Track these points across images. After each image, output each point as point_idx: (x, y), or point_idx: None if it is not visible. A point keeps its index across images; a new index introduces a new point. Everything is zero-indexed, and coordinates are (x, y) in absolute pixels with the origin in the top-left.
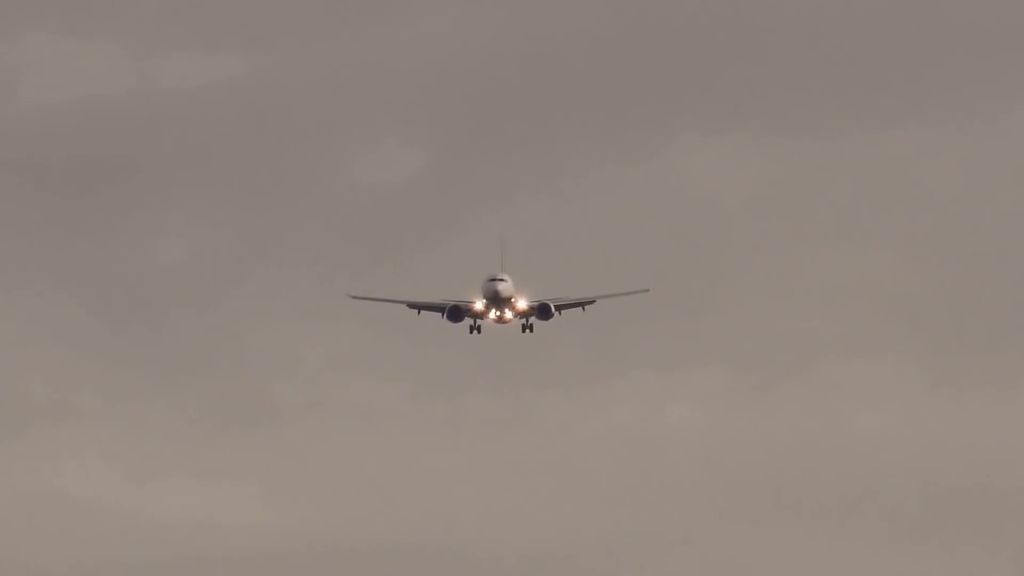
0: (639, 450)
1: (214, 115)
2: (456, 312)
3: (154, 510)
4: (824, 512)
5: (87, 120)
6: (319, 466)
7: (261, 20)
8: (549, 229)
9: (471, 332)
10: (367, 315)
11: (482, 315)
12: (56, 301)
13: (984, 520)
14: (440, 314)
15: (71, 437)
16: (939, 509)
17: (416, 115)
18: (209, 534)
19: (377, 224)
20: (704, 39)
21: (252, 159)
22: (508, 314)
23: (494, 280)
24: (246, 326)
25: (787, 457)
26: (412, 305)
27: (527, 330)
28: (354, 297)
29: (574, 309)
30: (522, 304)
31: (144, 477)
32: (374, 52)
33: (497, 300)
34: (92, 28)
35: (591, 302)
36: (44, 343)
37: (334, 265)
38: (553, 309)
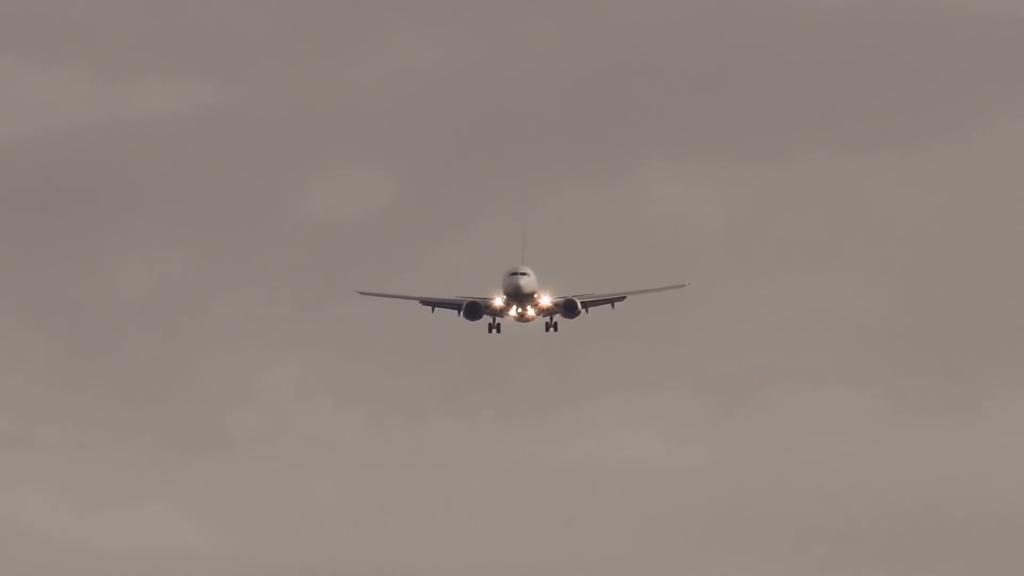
0: (597, 479)
1: (179, 144)
2: (474, 309)
3: (110, 540)
4: (787, 540)
5: (50, 148)
6: (282, 495)
7: (229, 49)
8: (513, 253)
9: (490, 331)
10: (334, 341)
11: (502, 312)
12: (16, 328)
13: (944, 547)
14: (456, 311)
15: (27, 466)
16: (900, 537)
17: (385, 144)
18: (167, 564)
19: (343, 255)
20: (670, 67)
21: (217, 187)
22: (531, 311)
23: (516, 274)
24: (209, 355)
25: (750, 485)
26: (425, 302)
27: (551, 328)
28: (363, 293)
29: (602, 306)
30: (546, 300)
31: (100, 506)
32: (343, 81)
33: (519, 296)
34: (57, 56)
35: (621, 298)
36: (2, 371)
37: (300, 293)
38: (580, 306)
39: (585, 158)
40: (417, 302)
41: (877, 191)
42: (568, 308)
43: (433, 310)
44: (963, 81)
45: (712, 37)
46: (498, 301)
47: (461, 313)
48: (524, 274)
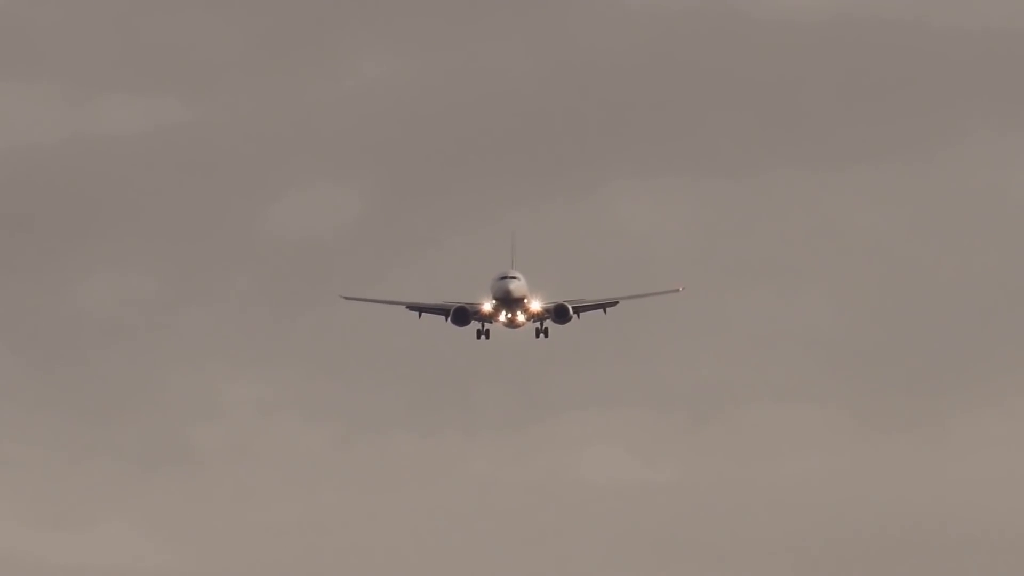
0: (559, 498)
1: (147, 160)
2: (462, 314)
3: (75, 558)
4: (754, 558)
5: (16, 164)
6: (260, 511)
7: (196, 65)
8: (484, 267)
9: (479, 337)
10: (316, 349)
11: (491, 317)
12: None
13: (914, 564)
14: (444, 317)
15: None
16: (871, 554)
17: (354, 159)
18: None
19: (309, 272)
20: (639, 84)
21: (182, 204)
22: (520, 317)
23: (505, 278)
24: (189, 370)
25: (726, 501)
26: (412, 307)
27: (541, 334)
28: (347, 298)
29: (594, 312)
30: (536, 306)
31: (62, 523)
32: (309, 96)
33: (508, 301)
34: (22, 72)
35: (613, 304)
36: None
37: (278, 306)
38: (571, 311)
39: (551, 173)
40: (403, 308)
41: (845, 207)
42: (559, 313)
43: (420, 316)
44: (931, 95)
45: (681, 54)
46: (487, 306)
47: (449, 319)
48: (514, 278)
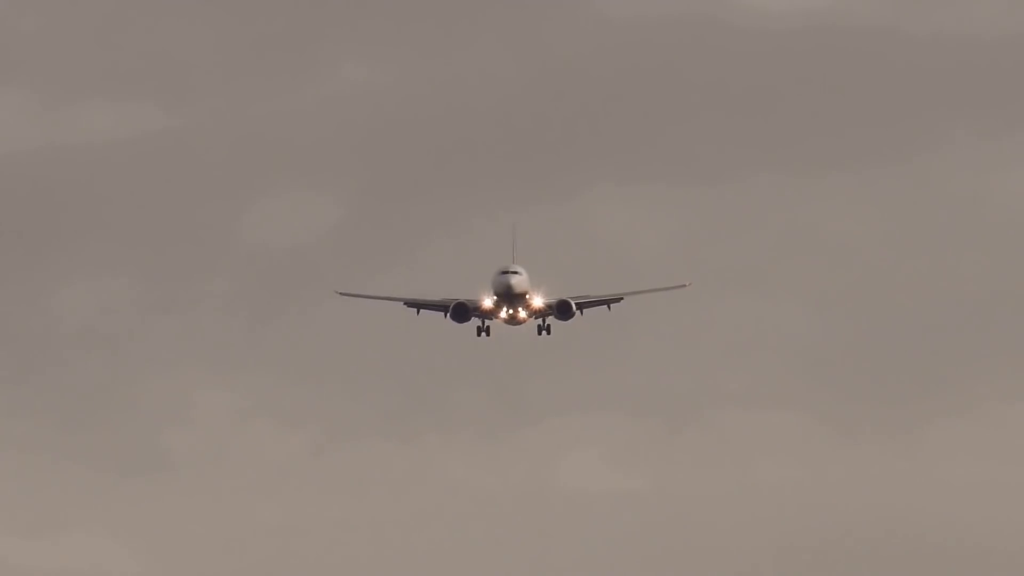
0: (537, 504)
1: (125, 167)
2: (461, 310)
3: (48, 563)
4: (734, 567)
5: None
6: (239, 518)
7: (175, 72)
8: (463, 270)
9: (479, 334)
10: (309, 347)
11: (492, 314)
12: None
13: (888, 574)
14: (443, 313)
15: None
16: (850, 561)
17: (335, 166)
18: None
19: (297, 275)
20: (620, 90)
21: (165, 210)
22: (522, 313)
23: (506, 273)
24: (152, 380)
25: (701, 509)
26: (410, 303)
27: (544, 331)
28: (343, 294)
29: (598, 308)
30: (538, 302)
31: (35, 531)
32: (288, 102)
33: (510, 296)
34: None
35: (618, 300)
36: None
37: (259, 314)
38: (574, 307)
39: (532, 179)
40: (401, 304)
41: (824, 212)
42: (562, 310)
43: (418, 312)
44: (909, 102)
45: (661, 61)
46: (487, 302)
47: (448, 315)
48: (515, 273)
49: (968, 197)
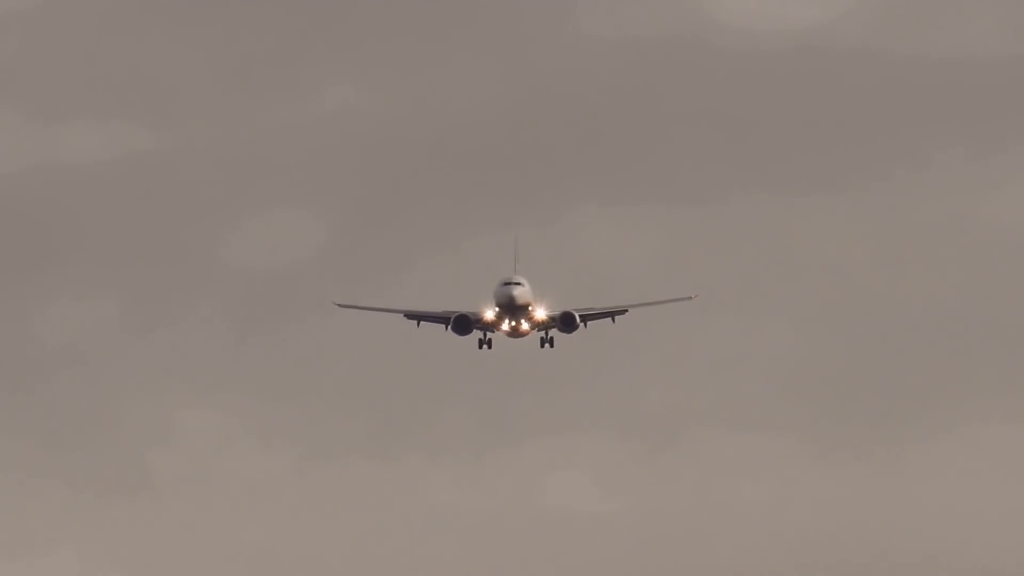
0: (520, 523)
1: (110, 187)
2: (463, 322)
3: None
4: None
5: None
6: (220, 543)
7: (161, 92)
8: (454, 288)
9: (480, 347)
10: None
11: (494, 326)
12: None
13: None
14: (444, 325)
15: None
16: None
17: (320, 185)
18: None
19: (285, 297)
20: (604, 110)
21: (152, 231)
22: (525, 325)
23: (509, 284)
24: (145, 400)
25: (684, 529)
26: (410, 315)
27: (547, 344)
28: (341, 306)
29: (603, 320)
30: (541, 314)
31: (17, 554)
32: (275, 123)
33: (512, 308)
34: None
35: (623, 312)
36: None
37: (244, 338)
38: (578, 320)
39: (518, 198)
40: (401, 316)
41: (808, 233)
42: (566, 322)
43: (419, 324)
44: (895, 123)
45: (643, 81)
46: (489, 314)
47: (449, 327)
48: (518, 284)
49: (954, 218)
